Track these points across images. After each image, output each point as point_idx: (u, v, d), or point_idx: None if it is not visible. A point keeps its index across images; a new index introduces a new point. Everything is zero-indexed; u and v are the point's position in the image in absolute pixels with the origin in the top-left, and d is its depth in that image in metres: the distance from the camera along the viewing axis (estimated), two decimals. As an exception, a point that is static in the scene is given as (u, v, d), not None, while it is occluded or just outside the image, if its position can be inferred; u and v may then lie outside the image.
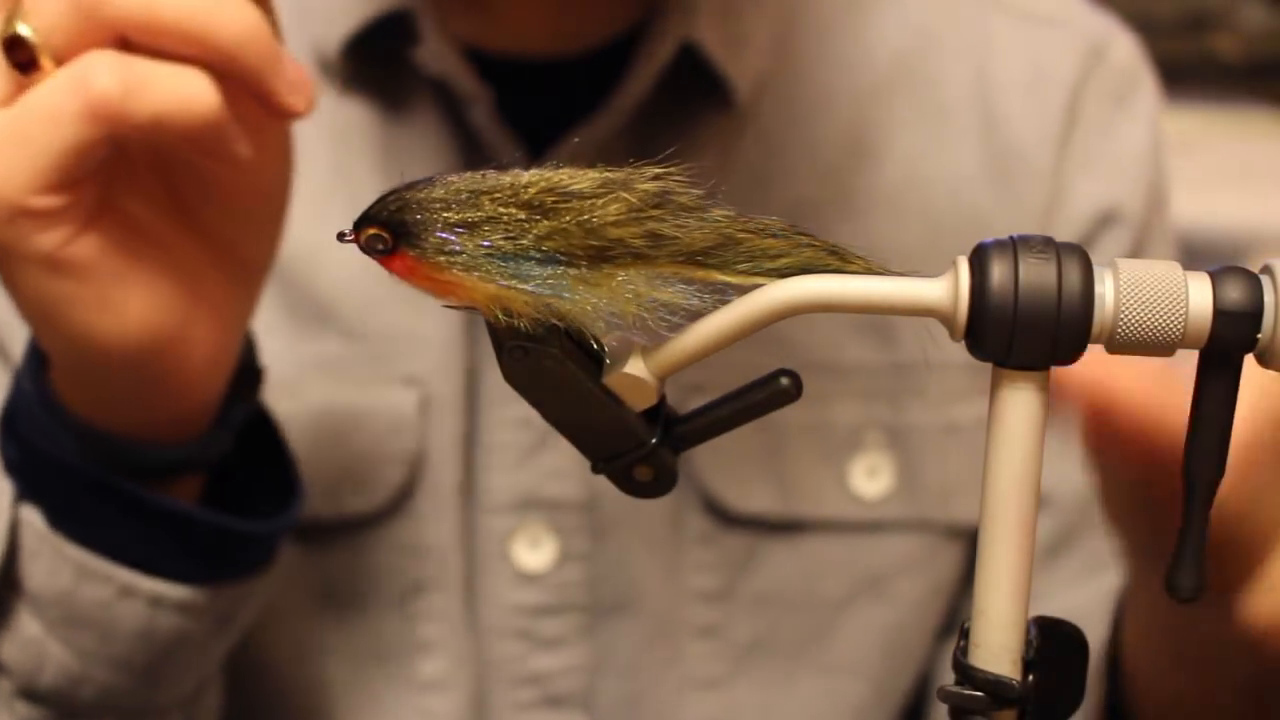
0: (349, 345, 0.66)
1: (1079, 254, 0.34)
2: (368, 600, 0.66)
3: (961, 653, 0.37)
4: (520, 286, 0.35)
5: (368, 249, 0.36)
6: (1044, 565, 0.69)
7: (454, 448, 0.66)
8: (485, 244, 0.35)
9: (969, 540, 0.69)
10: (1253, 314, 0.34)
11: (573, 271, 0.35)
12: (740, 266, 0.36)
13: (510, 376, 0.36)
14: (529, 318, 0.35)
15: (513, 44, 0.67)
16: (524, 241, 0.35)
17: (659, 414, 0.37)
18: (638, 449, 0.37)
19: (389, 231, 0.35)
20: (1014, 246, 0.34)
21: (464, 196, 0.35)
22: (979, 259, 0.34)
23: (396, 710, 0.66)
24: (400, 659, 0.67)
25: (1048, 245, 0.34)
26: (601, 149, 0.64)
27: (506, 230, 0.35)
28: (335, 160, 0.66)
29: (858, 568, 0.69)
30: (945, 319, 0.35)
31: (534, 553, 0.66)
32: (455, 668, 0.66)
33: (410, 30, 0.64)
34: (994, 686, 0.36)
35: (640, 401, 0.37)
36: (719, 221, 0.36)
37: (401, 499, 0.66)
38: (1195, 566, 0.37)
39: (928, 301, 0.35)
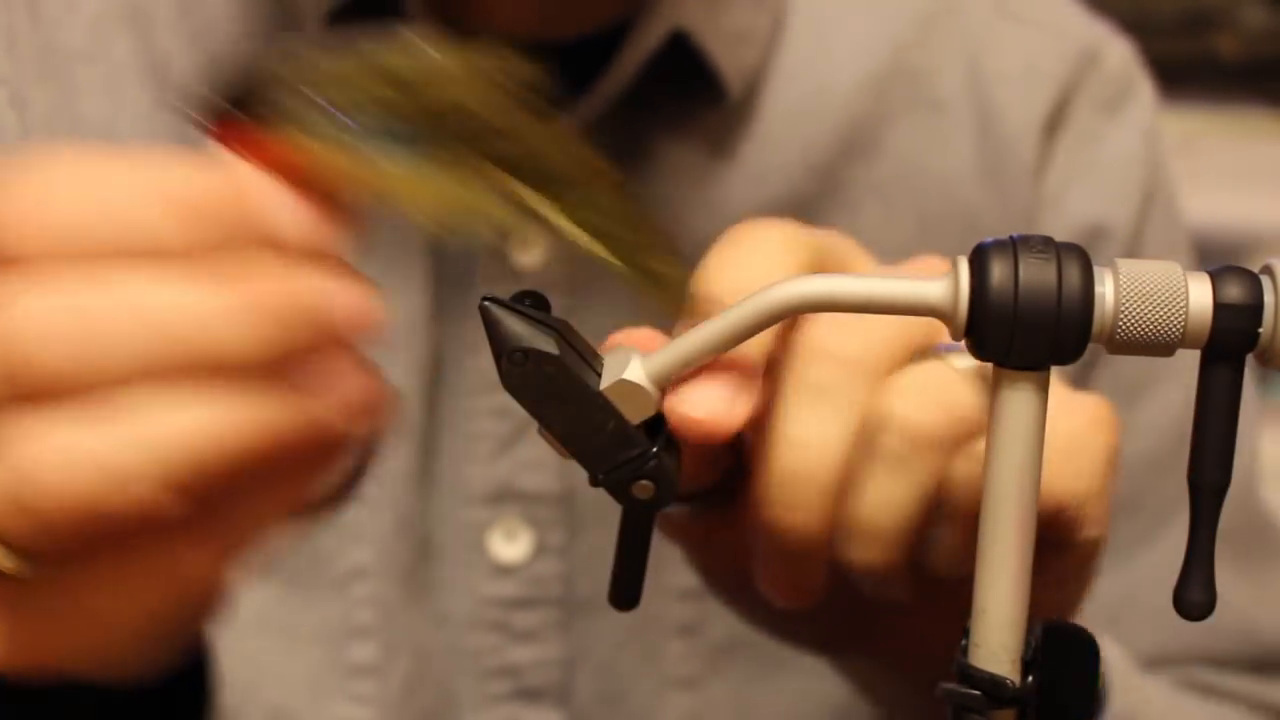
0: None
1: (1079, 254, 0.34)
2: (308, 580, 0.66)
3: (961, 652, 0.37)
4: (365, 152, 0.33)
5: (202, 121, 0.33)
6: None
7: (407, 437, 0.65)
8: (324, 101, 0.33)
9: None
10: (1253, 313, 0.34)
11: (421, 140, 0.34)
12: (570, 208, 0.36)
13: (509, 384, 0.36)
14: (369, 189, 0.33)
15: (497, 26, 0.66)
16: (369, 106, 0.33)
17: (659, 429, 0.37)
18: (639, 457, 0.37)
19: (227, 97, 0.33)
20: (1014, 246, 0.34)
21: (318, 65, 0.33)
22: (979, 258, 0.34)
23: (329, 691, 0.66)
24: (336, 642, 0.66)
25: (1047, 245, 0.34)
26: (587, 134, 0.64)
27: (354, 94, 0.33)
28: None
29: None
30: (945, 319, 0.35)
31: (510, 545, 0.66)
32: (388, 655, 0.66)
33: (394, 5, 0.63)
34: (991, 686, 0.36)
35: (639, 412, 0.37)
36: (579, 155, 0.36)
37: (348, 484, 0.66)
38: (1205, 580, 0.36)
39: (928, 301, 0.35)
